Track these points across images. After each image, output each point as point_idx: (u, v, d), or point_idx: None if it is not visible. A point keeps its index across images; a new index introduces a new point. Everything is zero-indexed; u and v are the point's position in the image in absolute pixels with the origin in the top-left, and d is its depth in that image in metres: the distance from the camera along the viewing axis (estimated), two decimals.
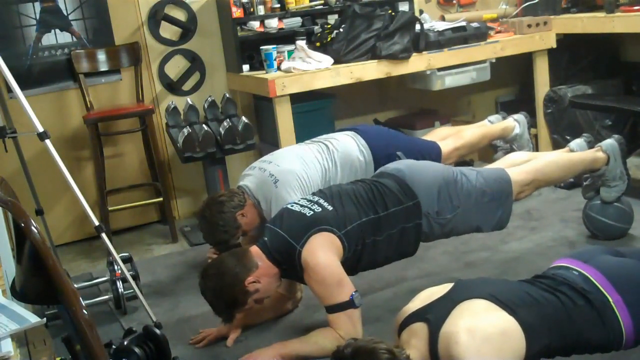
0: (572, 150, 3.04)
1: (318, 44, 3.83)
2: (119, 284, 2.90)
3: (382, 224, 2.47)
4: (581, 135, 3.13)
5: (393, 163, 2.76)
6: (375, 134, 3.18)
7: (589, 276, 1.87)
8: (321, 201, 2.50)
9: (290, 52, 3.82)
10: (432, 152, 3.15)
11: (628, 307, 1.81)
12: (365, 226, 2.45)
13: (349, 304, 2.30)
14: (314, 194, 2.61)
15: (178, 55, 4.15)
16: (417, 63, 3.87)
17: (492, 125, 3.51)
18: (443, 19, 4.38)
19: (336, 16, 4.01)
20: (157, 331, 1.89)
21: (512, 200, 2.68)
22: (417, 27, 3.87)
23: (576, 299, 1.82)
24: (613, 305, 1.81)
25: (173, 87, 4.17)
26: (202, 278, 2.43)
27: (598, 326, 1.80)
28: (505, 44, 4.07)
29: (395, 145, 3.05)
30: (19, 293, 1.54)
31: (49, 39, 3.88)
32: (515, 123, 3.48)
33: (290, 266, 2.40)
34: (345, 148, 3.08)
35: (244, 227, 2.92)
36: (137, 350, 1.85)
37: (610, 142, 2.97)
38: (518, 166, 2.78)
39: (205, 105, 3.93)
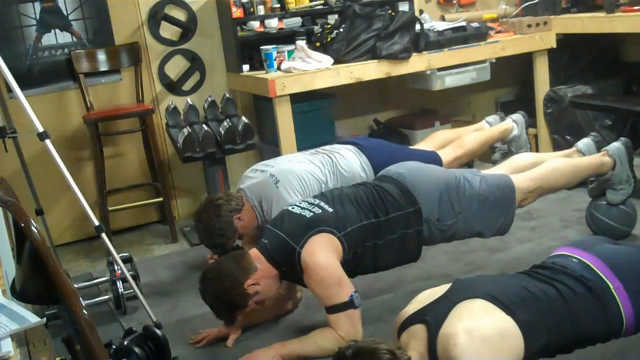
0: (579, 150, 3.03)
1: (318, 44, 3.83)
2: (119, 284, 2.90)
3: (382, 228, 2.47)
4: (588, 134, 3.12)
5: (395, 166, 2.75)
6: (376, 150, 3.15)
7: (589, 263, 1.87)
8: (322, 203, 2.49)
9: (290, 52, 3.82)
10: (432, 163, 3.13)
11: (629, 293, 1.81)
12: (366, 229, 2.45)
13: (349, 305, 2.30)
14: (315, 196, 2.61)
15: (178, 55, 4.15)
16: (417, 63, 3.87)
17: (490, 129, 3.50)
18: (443, 19, 4.38)
19: (336, 16, 4.01)
20: (157, 331, 1.90)
21: (515, 207, 2.66)
22: (417, 27, 3.87)
23: (575, 288, 1.81)
24: (614, 292, 1.81)
25: (173, 87, 4.17)
26: (201, 282, 2.44)
27: (598, 314, 1.80)
28: (505, 44, 4.07)
29: (396, 160, 3.02)
30: (19, 293, 1.54)
31: (49, 39, 3.88)
32: (513, 124, 3.47)
33: (290, 267, 2.40)
34: (349, 164, 3.06)
35: (241, 231, 2.92)
36: (137, 350, 1.85)
37: (616, 146, 2.94)
38: (522, 173, 2.76)
39: (205, 105, 3.92)
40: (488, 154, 3.68)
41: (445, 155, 3.24)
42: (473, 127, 3.60)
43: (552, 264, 1.92)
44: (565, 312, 1.79)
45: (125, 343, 1.86)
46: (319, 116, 4.04)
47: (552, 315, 1.78)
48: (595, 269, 1.85)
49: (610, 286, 1.82)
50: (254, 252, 2.45)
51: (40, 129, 2.69)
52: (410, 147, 3.45)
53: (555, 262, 1.93)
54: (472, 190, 2.59)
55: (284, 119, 3.63)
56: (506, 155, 3.41)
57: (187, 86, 4.20)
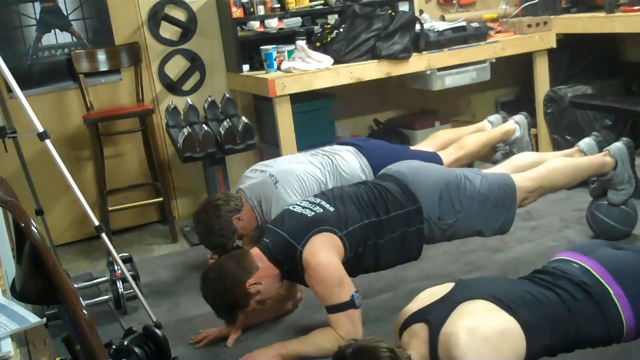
0: (580, 150, 3.03)
1: (318, 44, 3.83)
2: (119, 284, 2.90)
3: (383, 227, 2.47)
4: (590, 134, 3.11)
5: (395, 164, 2.75)
6: (377, 152, 3.14)
7: (590, 268, 1.87)
8: (323, 203, 2.50)
9: (290, 52, 3.82)
10: None
11: (629, 299, 1.81)
12: (367, 228, 2.45)
13: (349, 305, 2.30)
14: (315, 196, 2.61)
15: (178, 55, 4.15)
16: (417, 63, 3.87)
17: (492, 130, 3.50)
18: (443, 19, 4.38)
19: (336, 16, 4.01)
20: (157, 331, 1.89)
21: (516, 207, 2.66)
22: (417, 27, 3.87)
23: (576, 293, 1.81)
24: (614, 297, 1.81)
25: (173, 87, 4.17)
26: (203, 282, 2.44)
27: (599, 319, 1.80)
28: (505, 44, 4.07)
29: (396, 161, 3.01)
30: (19, 293, 1.54)
31: (49, 39, 3.88)
32: (515, 126, 3.47)
33: (292, 267, 2.40)
34: (349, 166, 3.05)
35: (240, 231, 2.92)
36: (137, 350, 1.85)
37: (618, 146, 2.93)
38: (523, 172, 2.75)
39: (205, 105, 3.92)
40: (489, 153, 3.67)
41: (446, 156, 3.24)
42: (475, 127, 3.60)
43: (553, 269, 1.92)
44: (567, 317, 1.79)
45: (125, 343, 1.85)
46: (319, 116, 4.04)
47: (555, 317, 1.78)
48: (595, 274, 1.85)
49: (611, 292, 1.82)
50: (255, 252, 2.45)
51: (40, 129, 2.69)
52: (411, 147, 3.45)
53: (556, 267, 1.92)
54: (473, 189, 2.59)
55: (284, 119, 3.63)
56: (508, 155, 3.41)
57: (187, 86, 4.20)
